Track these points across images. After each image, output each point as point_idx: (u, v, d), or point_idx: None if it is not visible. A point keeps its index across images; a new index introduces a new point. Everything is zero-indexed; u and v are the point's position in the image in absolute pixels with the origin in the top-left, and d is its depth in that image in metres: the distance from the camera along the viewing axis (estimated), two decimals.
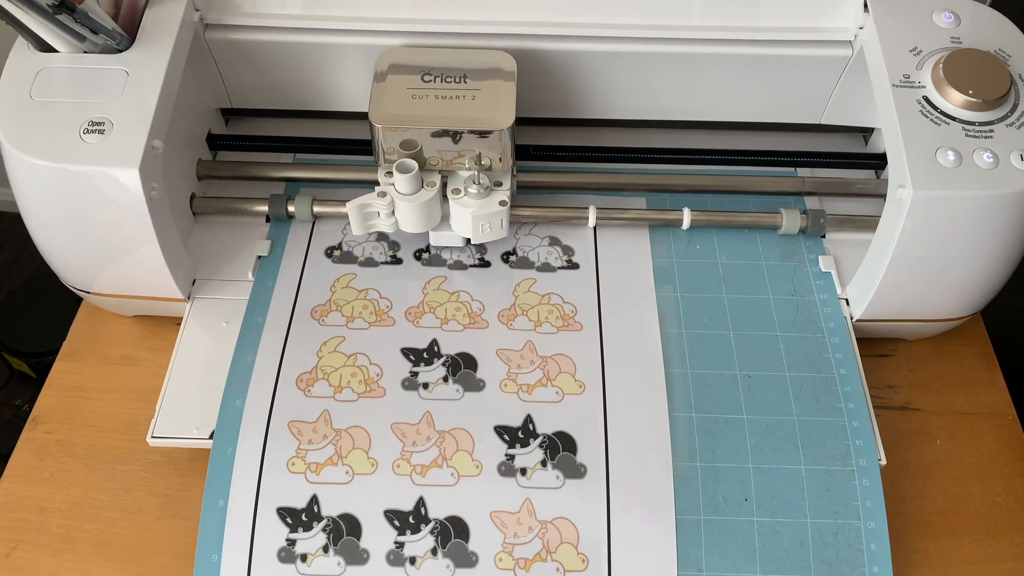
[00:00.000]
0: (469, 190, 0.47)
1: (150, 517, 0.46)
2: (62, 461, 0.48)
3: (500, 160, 0.48)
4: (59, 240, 0.47)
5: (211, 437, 0.45)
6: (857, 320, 0.49)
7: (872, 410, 0.46)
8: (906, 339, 0.53)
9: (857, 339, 0.49)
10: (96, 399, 0.50)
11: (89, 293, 0.51)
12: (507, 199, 0.48)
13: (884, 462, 0.44)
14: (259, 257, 0.51)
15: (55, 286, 0.52)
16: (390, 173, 0.47)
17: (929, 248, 0.45)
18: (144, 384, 0.50)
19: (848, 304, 0.50)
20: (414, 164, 0.46)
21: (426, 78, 0.48)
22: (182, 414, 0.46)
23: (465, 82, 0.47)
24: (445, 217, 0.49)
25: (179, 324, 0.49)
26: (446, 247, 0.51)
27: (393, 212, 0.48)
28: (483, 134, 0.46)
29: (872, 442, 0.45)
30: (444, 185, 0.48)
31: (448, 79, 0.48)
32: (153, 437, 0.45)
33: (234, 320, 0.48)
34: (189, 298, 0.50)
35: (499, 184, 0.48)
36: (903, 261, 0.45)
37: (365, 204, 0.47)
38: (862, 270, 0.49)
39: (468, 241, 0.50)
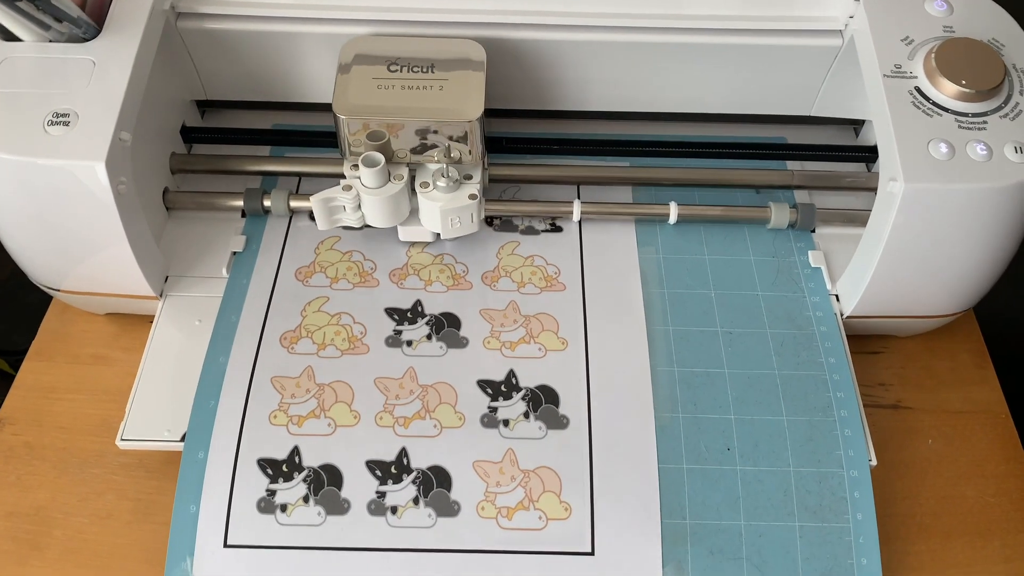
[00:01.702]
0: (438, 184, 0.46)
1: (120, 522, 0.44)
2: (29, 464, 0.46)
3: (470, 153, 0.46)
4: (25, 237, 0.46)
5: (182, 440, 0.43)
6: (847, 316, 0.48)
7: (859, 397, 0.45)
8: (898, 336, 0.51)
9: (848, 336, 0.47)
10: (66, 400, 0.48)
11: (59, 291, 0.49)
12: (477, 192, 0.47)
13: (875, 463, 0.43)
14: (234, 253, 0.50)
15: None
16: (356, 166, 0.46)
17: (921, 242, 0.44)
18: (115, 384, 0.48)
19: (838, 300, 0.49)
20: (380, 157, 0.45)
21: (392, 68, 0.46)
22: (153, 416, 0.44)
23: (433, 72, 0.46)
24: (414, 211, 0.48)
25: (152, 322, 0.48)
26: (416, 242, 0.50)
27: (359, 206, 0.47)
28: (451, 125, 0.45)
29: (855, 402, 0.45)
30: (412, 179, 0.47)
31: (415, 69, 0.46)
32: (123, 440, 0.44)
33: (207, 318, 0.47)
34: (161, 295, 0.48)
35: (469, 177, 0.47)
36: (894, 256, 0.44)
37: (330, 198, 0.46)
38: (852, 265, 0.48)
39: (438, 236, 0.49)
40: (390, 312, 0.48)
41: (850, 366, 0.46)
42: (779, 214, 0.50)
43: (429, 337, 0.47)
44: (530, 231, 0.51)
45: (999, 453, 0.47)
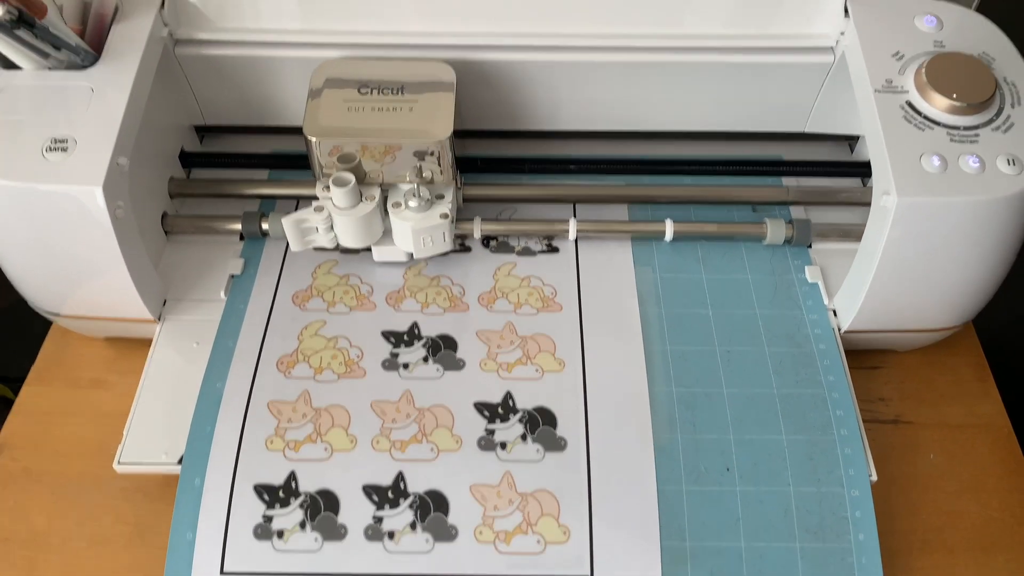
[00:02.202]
0: (409, 203, 0.47)
1: (118, 547, 0.44)
2: (27, 489, 0.46)
3: (441, 172, 0.47)
4: (24, 262, 0.46)
5: (179, 463, 0.43)
6: (845, 331, 0.48)
7: (859, 414, 0.45)
8: (897, 350, 0.51)
9: (846, 351, 0.47)
10: (64, 424, 0.48)
11: (58, 316, 0.49)
12: (448, 212, 0.47)
13: (875, 478, 0.43)
14: (232, 276, 0.50)
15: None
16: (328, 187, 0.46)
17: (916, 256, 0.44)
18: (114, 408, 0.48)
19: (836, 315, 0.49)
20: (351, 177, 0.45)
21: (363, 90, 0.47)
22: (150, 439, 0.44)
23: (403, 94, 0.47)
24: (387, 232, 0.48)
25: (150, 346, 0.48)
26: (389, 263, 0.50)
27: (332, 227, 0.47)
28: (420, 145, 0.45)
29: (855, 420, 0.44)
30: (385, 199, 0.47)
31: (385, 91, 0.47)
32: (120, 463, 0.44)
33: (205, 341, 0.47)
34: (160, 319, 0.48)
35: (441, 197, 0.48)
36: (890, 270, 0.44)
37: (302, 219, 0.47)
38: (849, 280, 0.48)
39: (411, 256, 0.49)
40: (387, 335, 0.48)
41: (849, 384, 0.46)
42: (775, 230, 0.50)
43: (426, 359, 0.47)
44: (527, 252, 0.51)
45: (1001, 467, 0.47)
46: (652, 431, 0.44)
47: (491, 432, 0.44)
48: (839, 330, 0.48)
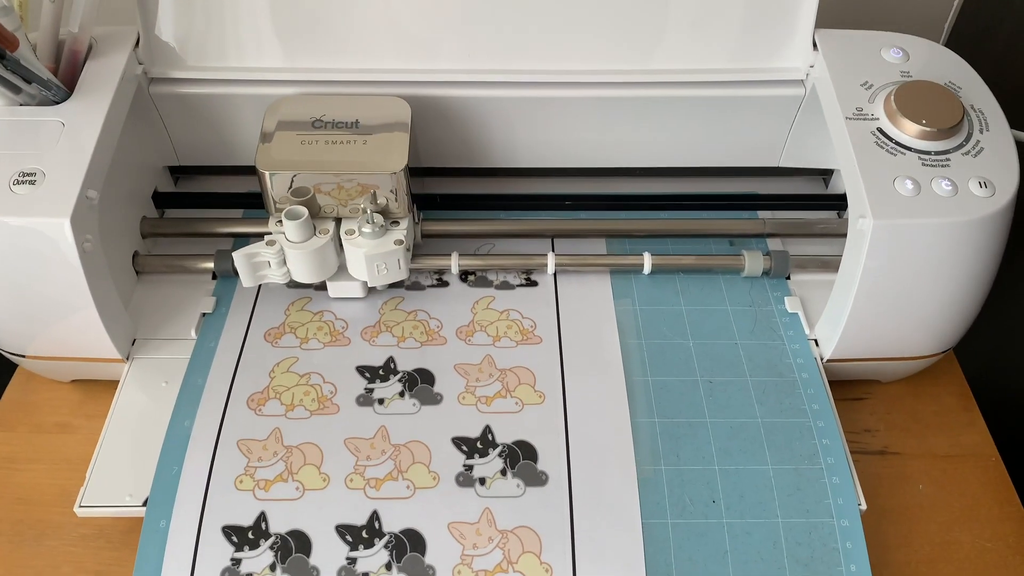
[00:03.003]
0: (363, 229, 0.46)
1: None
2: None
3: (396, 200, 0.46)
4: None
5: (144, 504, 0.41)
6: (828, 360, 0.47)
7: (845, 443, 0.44)
8: (881, 381, 0.51)
9: (830, 381, 0.47)
10: (25, 470, 0.46)
11: (24, 357, 0.48)
12: (403, 238, 0.47)
13: (864, 507, 0.42)
14: (203, 314, 0.49)
15: None
16: (280, 221, 0.45)
17: (894, 280, 0.43)
18: (78, 453, 0.46)
19: (817, 345, 0.48)
20: (303, 211, 0.45)
21: (317, 124, 0.47)
22: (114, 481, 0.43)
23: (357, 127, 0.47)
24: (343, 267, 0.48)
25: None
26: (345, 298, 0.50)
27: (284, 261, 0.46)
28: (374, 177, 0.45)
29: (839, 444, 0.44)
30: (339, 232, 0.47)
31: (339, 125, 0.47)
32: (81, 507, 0.42)
33: (174, 380, 0.46)
34: (128, 358, 0.47)
35: (396, 223, 0.47)
36: (869, 295, 0.44)
37: (253, 253, 0.46)
38: (829, 308, 0.47)
39: (366, 287, 0.49)
40: (361, 370, 0.47)
41: (834, 412, 0.45)
42: (753, 262, 0.50)
43: (402, 394, 0.45)
44: (505, 286, 0.51)
45: (992, 497, 0.46)
46: (635, 463, 0.43)
47: (469, 468, 0.43)
48: (821, 359, 0.47)
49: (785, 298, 0.50)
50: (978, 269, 0.44)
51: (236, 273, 0.50)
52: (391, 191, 0.46)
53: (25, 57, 0.42)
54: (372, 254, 0.46)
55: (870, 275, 0.43)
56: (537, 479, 0.42)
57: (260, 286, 0.50)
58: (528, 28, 0.49)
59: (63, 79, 0.46)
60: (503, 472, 0.43)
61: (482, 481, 0.42)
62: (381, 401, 0.45)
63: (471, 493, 0.42)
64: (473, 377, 0.46)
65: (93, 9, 0.46)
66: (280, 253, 0.46)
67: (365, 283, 0.49)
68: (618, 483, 0.42)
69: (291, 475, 0.42)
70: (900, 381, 0.51)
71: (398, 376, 0.46)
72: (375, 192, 0.46)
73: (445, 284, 0.51)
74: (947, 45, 0.50)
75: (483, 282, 0.51)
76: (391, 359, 0.47)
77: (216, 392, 0.45)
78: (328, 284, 0.49)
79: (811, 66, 0.49)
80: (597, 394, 0.45)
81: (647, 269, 0.50)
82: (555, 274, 0.51)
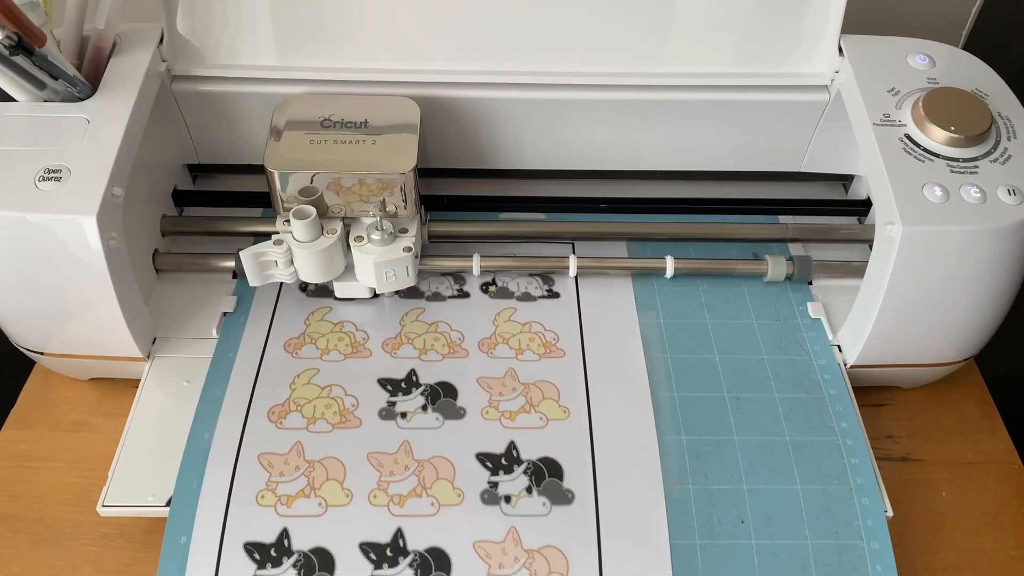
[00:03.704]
0: (372, 236, 0.46)
1: None
2: (3, 537, 0.43)
3: (405, 207, 0.46)
4: (12, 296, 0.44)
5: (168, 504, 0.41)
6: (851, 366, 0.47)
7: (875, 463, 0.44)
8: (902, 387, 0.51)
9: (853, 388, 0.47)
10: (44, 469, 0.46)
11: (43, 355, 0.47)
12: (412, 245, 0.46)
13: (891, 514, 0.42)
14: (224, 314, 0.49)
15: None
16: (288, 221, 0.45)
17: (921, 286, 0.43)
18: (98, 452, 0.46)
19: (841, 351, 0.48)
20: (311, 210, 0.45)
21: (326, 123, 0.47)
22: (137, 480, 0.42)
23: (366, 127, 0.46)
24: (349, 268, 0.48)
25: (137, 388, 0.46)
26: (353, 298, 0.49)
27: (291, 261, 0.46)
28: (383, 178, 0.45)
29: (868, 462, 0.43)
30: (347, 234, 0.47)
31: (349, 124, 0.47)
32: (104, 506, 0.41)
33: (196, 379, 0.46)
34: (149, 357, 0.47)
35: (404, 231, 0.47)
36: (895, 301, 0.44)
37: (260, 253, 0.45)
38: (853, 314, 0.47)
39: (375, 293, 0.48)
40: (383, 383, 0.46)
41: (862, 430, 0.44)
42: (776, 266, 0.50)
43: (424, 408, 0.45)
44: (527, 297, 0.50)
45: (1016, 504, 0.46)
46: (663, 482, 0.42)
47: (494, 484, 0.42)
48: (845, 365, 0.47)
49: (808, 303, 0.50)
50: (1005, 276, 0.44)
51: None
52: (401, 193, 0.45)
53: (51, 53, 0.42)
54: (381, 261, 0.46)
55: (897, 281, 0.43)
56: (563, 497, 0.42)
57: (279, 291, 0.50)
58: (544, 29, 0.49)
59: (87, 75, 0.46)
60: (528, 490, 0.42)
61: (507, 499, 0.41)
62: (404, 415, 0.44)
63: (496, 511, 0.41)
64: (496, 391, 0.45)
65: (119, 5, 0.46)
66: (287, 253, 0.45)
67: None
68: (646, 502, 0.41)
69: (313, 490, 0.41)
70: (921, 388, 0.51)
71: (420, 389, 0.45)
72: (384, 199, 0.45)
73: (466, 295, 0.50)
74: (965, 50, 0.50)
75: (504, 293, 0.50)
76: (413, 371, 0.46)
77: (236, 404, 0.44)
78: (335, 284, 0.48)
79: (836, 71, 0.49)
80: (623, 410, 0.45)
81: (670, 273, 0.50)
82: (577, 285, 0.50)
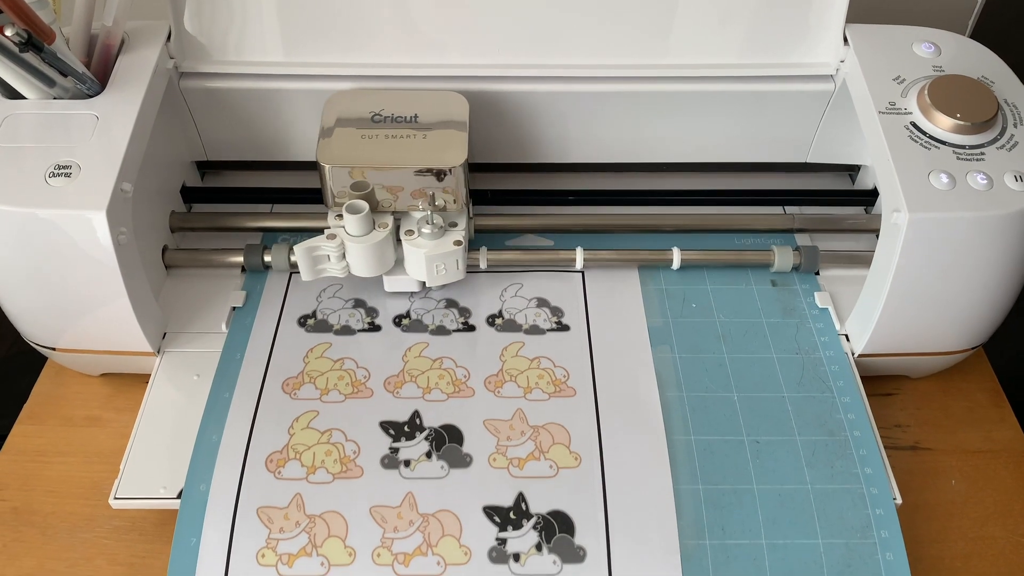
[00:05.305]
0: (423, 230, 0.46)
1: None
2: (17, 530, 0.44)
3: (454, 201, 0.46)
4: (23, 292, 0.45)
5: (179, 496, 0.41)
6: (859, 356, 0.47)
7: (882, 449, 0.43)
8: (911, 377, 0.51)
9: (861, 377, 0.46)
10: (57, 463, 0.47)
11: (55, 350, 0.48)
12: (462, 239, 0.46)
13: (900, 501, 0.42)
14: (233, 308, 0.49)
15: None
16: (340, 215, 0.45)
17: (928, 273, 0.43)
18: (109, 446, 0.47)
19: (848, 340, 0.48)
20: (364, 204, 0.45)
21: (376, 119, 0.47)
22: (149, 473, 0.43)
23: (416, 122, 0.46)
24: (399, 262, 0.48)
25: (148, 382, 0.46)
26: (403, 292, 0.49)
27: (344, 255, 0.46)
28: (434, 173, 0.45)
29: (895, 521, 0.41)
30: (397, 228, 0.47)
31: (399, 120, 0.47)
32: (116, 498, 0.42)
33: (205, 373, 0.46)
34: (159, 352, 0.47)
35: (454, 225, 0.47)
36: (902, 289, 0.44)
37: (314, 247, 0.46)
38: (860, 303, 0.47)
39: (423, 285, 0.48)
40: (385, 426, 0.44)
41: (889, 477, 0.42)
42: (782, 257, 0.50)
43: (429, 455, 0.43)
44: (535, 330, 0.48)
45: None
46: (678, 537, 0.40)
47: (502, 541, 0.40)
48: (853, 354, 0.47)
49: (815, 293, 0.50)
50: (1013, 263, 0.44)
51: (265, 267, 0.50)
52: (451, 187, 0.45)
53: (61, 50, 0.42)
54: (432, 255, 0.46)
55: (904, 269, 0.43)
56: (574, 555, 0.40)
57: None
58: (556, 24, 0.49)
59: (95, 72, 0.46)
60: (538, 547, 0.40)
61: (516, 557, 0.40)
62: (407, 463, 0.42)
63: (505, 570, 0.39)
64: (504, 435, 0.44)
65: (127, 3, 0.47)
66: (340, 247, 0.45)
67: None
68: (660, 560, 0.40)
69: (315, 548, 0.40)
70: (929, 377, 0.51)
71: (424, 433, 0.44)
72: (433, 193, 0.45)
73: (471, 328, 0.48)
74: (972, 37, 0.50)
75: (511, 326, 0.48)
76: (416, 413, 0.44)
77: (232, 452, 0.42)
78: (384, 278, 0.48)
79: (841, 61, 0.49)
80: (637, 456, 0.43)
81: (676, 264, 0.50)
82: (587, 315, 0.49)
